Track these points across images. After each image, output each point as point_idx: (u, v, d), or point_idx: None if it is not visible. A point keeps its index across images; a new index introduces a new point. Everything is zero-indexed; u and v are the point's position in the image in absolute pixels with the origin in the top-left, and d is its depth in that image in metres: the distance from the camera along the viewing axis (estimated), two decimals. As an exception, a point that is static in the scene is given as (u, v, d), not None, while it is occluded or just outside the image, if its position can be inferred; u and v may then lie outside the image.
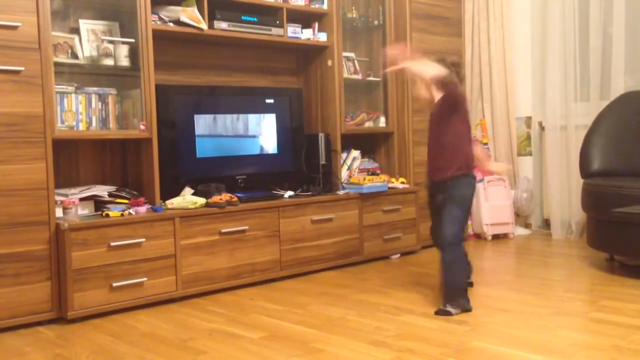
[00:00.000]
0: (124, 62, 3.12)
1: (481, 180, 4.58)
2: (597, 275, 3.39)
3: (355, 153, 4.20)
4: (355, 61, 4.24)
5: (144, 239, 2.95)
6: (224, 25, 3.44)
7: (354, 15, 4.23)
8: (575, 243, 4.33)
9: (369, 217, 3.89)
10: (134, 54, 3.13)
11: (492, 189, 4.55)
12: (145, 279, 2.96)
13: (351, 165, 4.16)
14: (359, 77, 4.22)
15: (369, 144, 4.41)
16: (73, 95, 3.00)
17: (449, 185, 2.80)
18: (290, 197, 3.61)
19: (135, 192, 3.21)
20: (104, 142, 3.29)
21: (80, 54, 3.08)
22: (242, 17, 3.52)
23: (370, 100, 4.38)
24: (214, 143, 3.52)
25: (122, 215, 2.94)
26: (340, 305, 2.93)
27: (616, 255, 3.63)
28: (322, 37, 3.92)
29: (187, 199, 3.20)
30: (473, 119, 4.99)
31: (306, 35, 3.87)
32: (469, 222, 4.59)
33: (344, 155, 4.09)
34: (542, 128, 4.77)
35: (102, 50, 3.09)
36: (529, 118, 4.89)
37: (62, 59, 3.00)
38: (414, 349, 2.29)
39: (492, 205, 4.53)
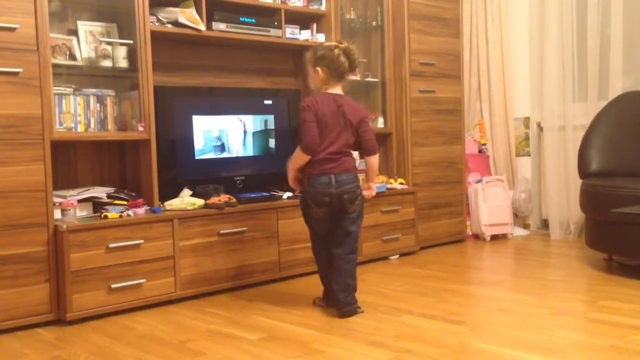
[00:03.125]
0: (122, 63, 3.12)
1: (479, 181, 4.59)
2: (595, 275, 3.39)
3: (354, 154, 4.18)
4: (354, 62, 4.24)
5: (142, 241, 2.95)
6: (222, 26, 3.44)
7: (352, 16, 4.23)
8: (574, 243, 4.33)
9: (367, 218, 3.88)
10: (132, 55, 3.13)
11: (490, 190, 4.56)
12: (143, 280, 2.96)
13: (350, 166, 4.15)
14: (357, 77, 4.22)
15: (368, 144, 4.41)
16: (71, 97, 3.00)
17: None
18: (288, 198, 3.60)
19: (133, 194, 3.21)
20: (103, 144, 3.29)
21: (78, 56, 3.08)
22: (241, 19, 3.52)
23: (369, 100, 4.39)
24: (213, 144, 3.52)
25: (120, 216, 2.94)
26: (339, 306, 2.93)
27: (614, 255, 3.63)
28: (321, 38, 3.92)
29: (185, 200, 3.20)
30: (471, 119, 5.01)
31: (304, 36, 3.87)
32: (468, 223, 4.60)
33: (342, 156, 4.08)
34: (540, 128, 4.78)
35: (100, 52, 3.09)
36: (527, 118, 4.90)
37: (60, 60, 3.00)
38: (412, 349, 2.29)
39: (490, 205, 4.53)
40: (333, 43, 2.82)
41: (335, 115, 2.74)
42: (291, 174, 2.83)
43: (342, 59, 2.75)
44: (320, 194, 2.73)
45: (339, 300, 2.76)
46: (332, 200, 2.73)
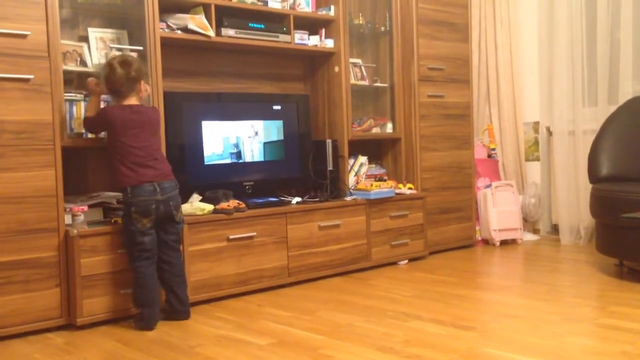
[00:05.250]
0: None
1: (488, 186, 4.57)
2: (606, 280, 3.37)
3: (363, 159, 4.20)
4: (362, 67, 4.25)
5: (152, 246, 2.96)
6: (231, 32, 3.46)
7: (361, 22, 4.24)
8: (584, 248, 4.31)
9: (376, 223, 3.88)
10: (142, 61, 3.14)
11: (499, 195, 4.54)
12: (153, 285, 2.97)
13: (358, 171, 4.16)
14: (365, 83, 4.23)
15: (376, 149, 4.42)
16: (82, 103, 3.02)
17: None
18: (297, 203, 3.61)
19: (143, 199, 3.21)
20: (113, 149, 3.31)
21: (89, 62, 3.10)
22: (250, 24, 3.54)
23: (377, 106, 4.39)
24: (222, 149, 3.53)
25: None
26: (348, 311, 2.93)
27: (625, 260, 3.61)
28: (329, 43, 3.93)
29: (195, 205, 3.21)
30: (480, 124, 5.00)
31: (313, 41, 3.88)
32: (477, 228, 4.58)
33: (351, 161, 4.10)
34: (550, 133, 4.76)
35: (111, 58, 3.11)
36: (537, 123, 4.89)
37: (71, 66, 3.03)
38: (422, 355, 2.29)
39: (500, 210, 4.52)
40: (111, 58, 2.86)
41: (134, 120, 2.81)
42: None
43: (115, 75, 2.78)
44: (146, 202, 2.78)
45: (186, 300, 2.89)
46: (159, 207, 2.80)
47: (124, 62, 2.81)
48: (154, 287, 2.80)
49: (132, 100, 2.84)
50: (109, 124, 2.79)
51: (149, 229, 2.78)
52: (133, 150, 2.79)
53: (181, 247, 2.95)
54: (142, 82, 2.87)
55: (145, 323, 2.75)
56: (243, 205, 3.33)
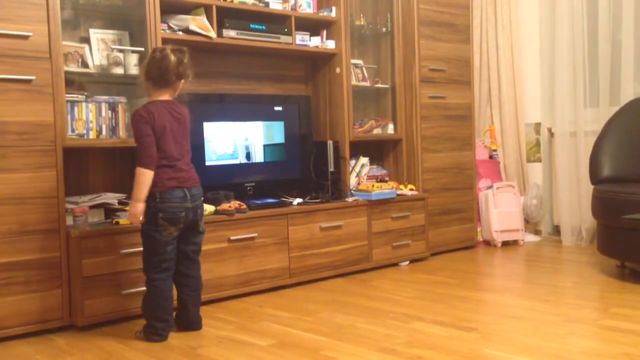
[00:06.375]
0: (134, 70, 3.14)
1: (490, 187, 4.57)
2: (607, 282, 3.37)
3: (364, 160, 4.20)
4: (364, 68, 4.25)
5: (153, 247, 2.96)
6: (232, 33, 3.46)
7: (362, 23, 4.24)
8: (586, 250, 4.31)
9: (377, 224, 3.88)
10: (143, 62, 3.15)
11: (501, 196, 4.54)
12: (154, 286, 2.96)
13: (360, 172, 4.16)
14: (367, 84, 4.23)
15: (378, 150, 4.42)
16: (83, 104, 3.02)
17: None
18: (299, 204, 3.61)
19: (144, 200, 3.21)
20: (114, 150, 3.31)
21: (90, 63, 3.11)
22: (251, 26, 3.54)
23: (379, 107, 4.39)
24: (223, 151, 3.53)
25: (131, 223, 2.94)
26: (349, 312, 2.93)
27: (627, 262, 3.60)
28: (331, 44, 3.93)
29: (196, 206, 3.21)
30: (482, 125, 4.99)
31: (314, 42, 3.88)
32: (478, 229, 4.58)
33: (352, 162, 4.09)
34: (551, 134, 4.76)
35: (112, 59, 3.11)
36: (538, 124, 4.88)
37: (73, 68, 3.03)
38: (423, 356, 2.29)
39: (501, 211, 4.51)
40: (161, 46, 2.69)
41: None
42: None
43: (167, 62, 2.57)
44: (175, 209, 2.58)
45: (197, 316, 2.73)
46: (188, 215, 2.61)
47: (179, 50, 2.60)
48: (169, 301, 2.62)
49: (167, 96, 2.64)
50: (155, 130, 2.55)
51: (173, 239, 2.61)
52: (169, 152, 2.59)
53: (200, 259, 2.77)
54: (182, 82, 2.67)
55: (159, 337, 2.59)
56: (244, 206, 3.33)
